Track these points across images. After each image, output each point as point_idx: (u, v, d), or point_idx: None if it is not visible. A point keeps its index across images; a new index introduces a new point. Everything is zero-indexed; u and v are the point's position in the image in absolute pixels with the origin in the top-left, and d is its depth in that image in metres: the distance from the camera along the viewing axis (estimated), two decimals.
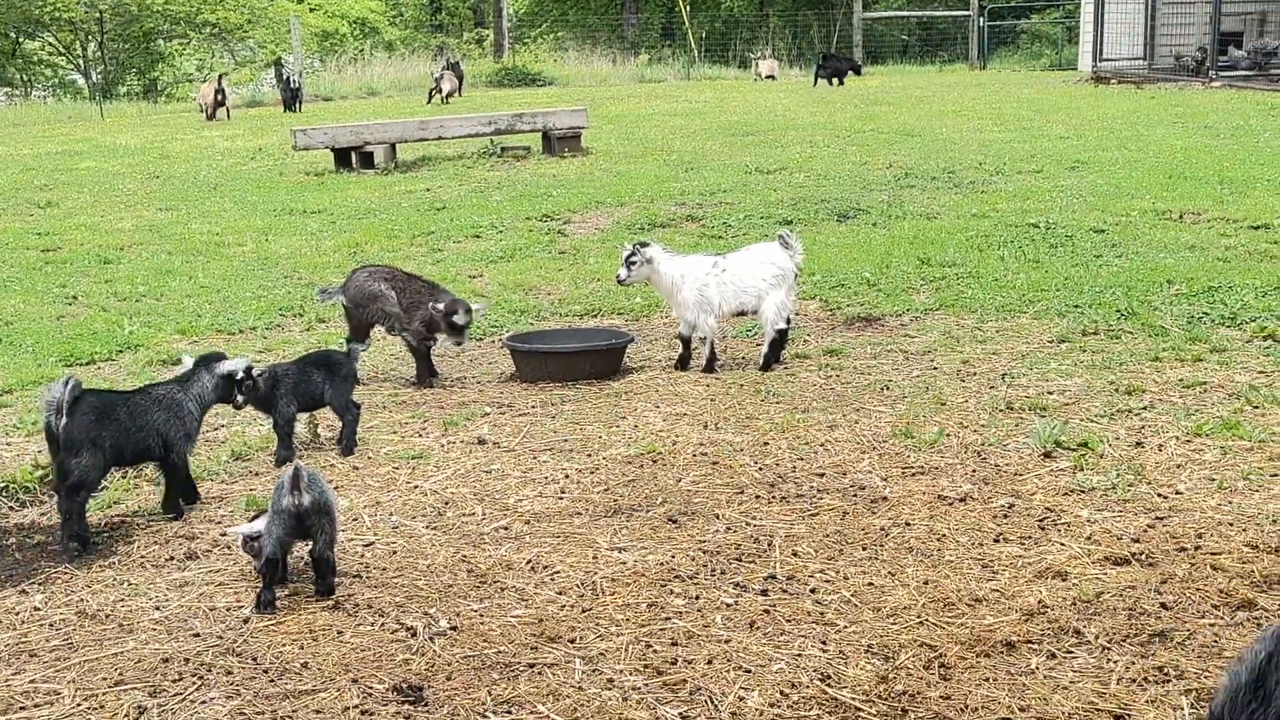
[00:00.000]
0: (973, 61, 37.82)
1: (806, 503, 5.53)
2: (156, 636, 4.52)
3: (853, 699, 3.93)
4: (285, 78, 30.59)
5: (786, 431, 6.47)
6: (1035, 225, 11.28)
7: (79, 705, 4.07)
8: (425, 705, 3.99)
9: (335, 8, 47.31)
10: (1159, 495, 5.45)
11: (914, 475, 5.82)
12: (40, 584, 5.02)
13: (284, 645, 4.41)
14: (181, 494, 5.76)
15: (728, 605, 4.59)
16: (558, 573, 4.93)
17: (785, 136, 19.13)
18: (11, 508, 5.89)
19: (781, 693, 3.98)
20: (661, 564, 4.95)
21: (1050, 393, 6.90)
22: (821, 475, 5.86)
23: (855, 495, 5.61)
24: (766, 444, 6.31)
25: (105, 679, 4.22)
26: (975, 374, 7.33)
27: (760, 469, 5.97)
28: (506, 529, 5.39)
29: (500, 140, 18.65)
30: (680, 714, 3.89)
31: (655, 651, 4.26)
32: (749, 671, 4.11)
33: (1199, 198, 12.32)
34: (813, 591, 4.68)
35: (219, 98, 27.17)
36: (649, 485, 5.81)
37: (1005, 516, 5.30)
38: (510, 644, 4.36)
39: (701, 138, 19.51)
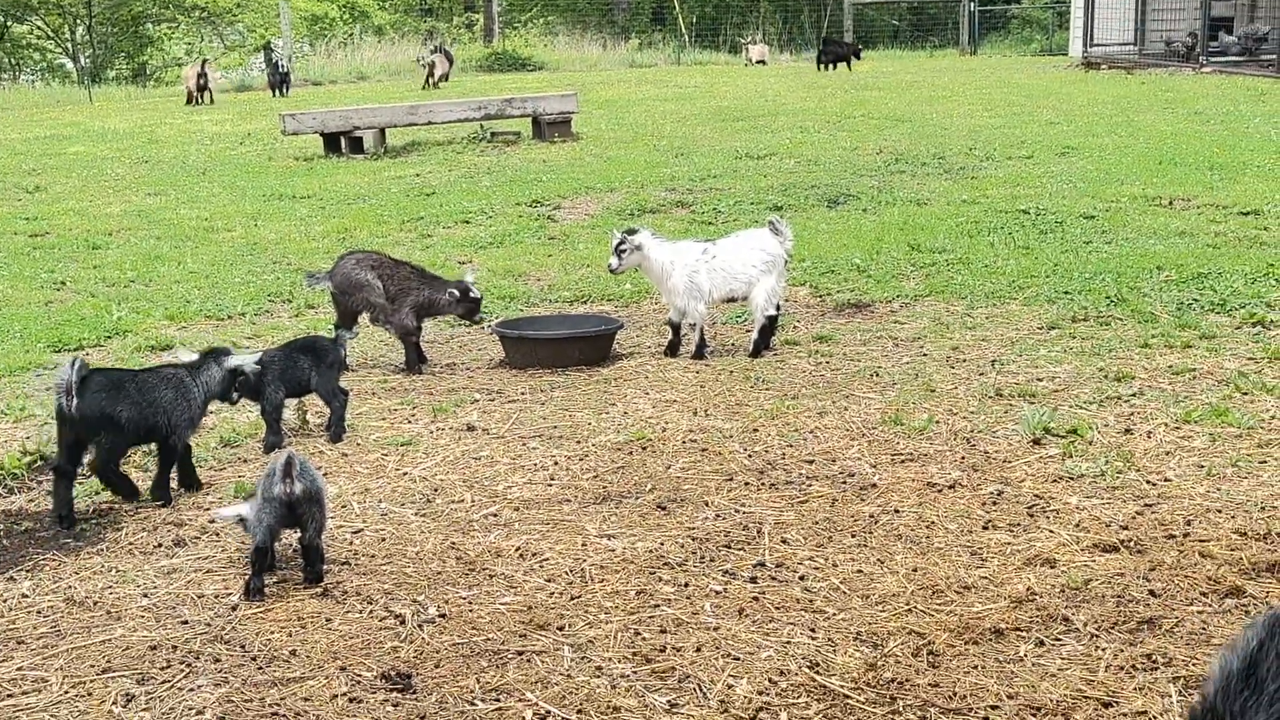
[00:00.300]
0: (963, 46, 37.77)
1: (796, 490, 5.53)
2: (145, 624, 4.51)
3: (841, 687, 3.93)
4: (274, 62, 30.50)
5: (776, 418, 6.47)
6: (1025, 211, 11.29)
7: (67, 693, 4.06)
8: (414, 693, 3.98)
9: None
10: (1148, 482, 5.45)
11: (903, 462, 5.82)
12: (28, 571, 5.00)
13: (272, 633, 4.40)
14: (185, 483, 5.76)
15: (717, 593, 4.59)
16: (547, 560, 4.92)
17: (775, 122, 19.10)
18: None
19: (770, 680, 3.98)
20: (650, 551, 4.95)
21: (1040, 379, 6.90)
22: (811, 462, 5.86)
23: (844, 482, 5.60)
24: (756, 431, 6.31)
25: (93, 666, 4.21)
26: (965, 361, 7.33)
27: (750, 456, 5.97)
28: (495, 516, 5.38)
29: (490, 125, 18.60)
30: (669, 702, 3.89)
31: (644, 639, 4.26)
32: (738, 659, 4.11)
33: (1189, 184, 12.33)
34: (802, 579, 4.68)
35: (201, 81, 27.06)
36: (638, 472, 5.81)
37: (994, 504, 5.30)
38: (499, 631, 4.35)
39: (692, 123, 19.48)
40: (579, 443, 6.25)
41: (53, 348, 8.26)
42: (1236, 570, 4.58)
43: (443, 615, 4.48)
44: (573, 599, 4.59)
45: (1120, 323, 7.89)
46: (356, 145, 17.47)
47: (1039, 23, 41.80)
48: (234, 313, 9.10)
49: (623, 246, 7.65)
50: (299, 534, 4.76)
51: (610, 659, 4.14)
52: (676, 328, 7.74)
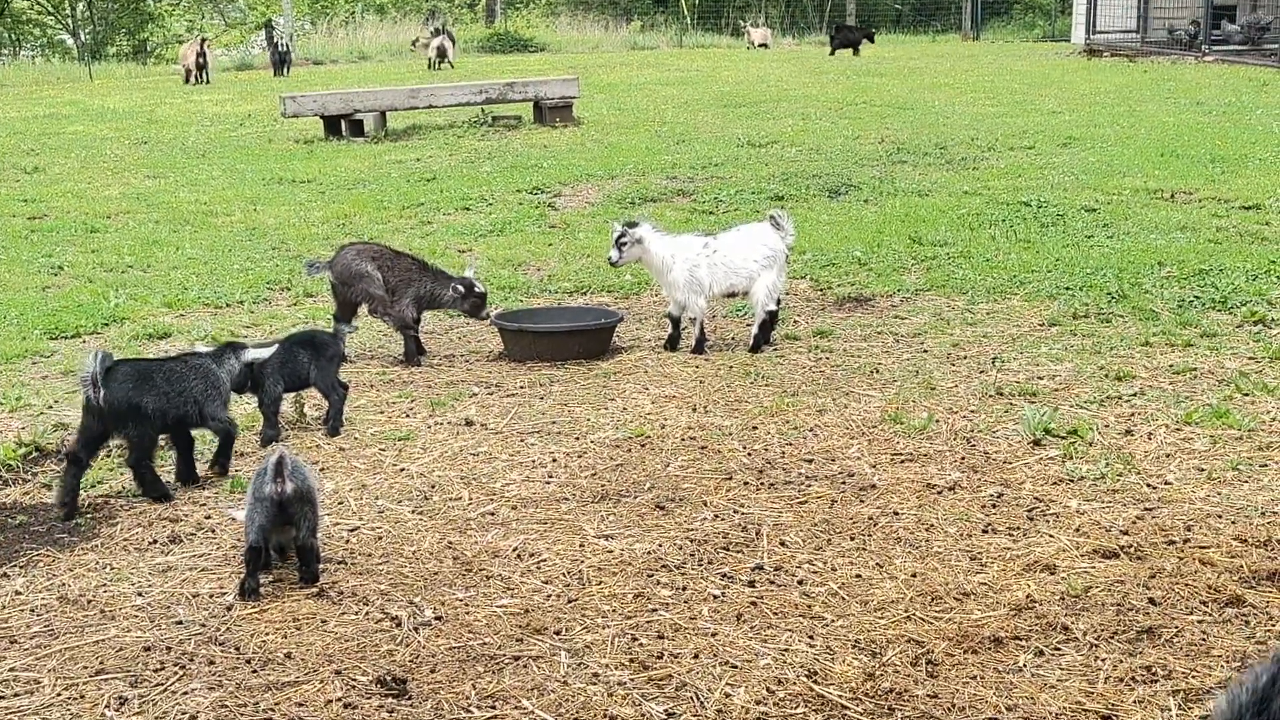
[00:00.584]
0: (965, 32, 37.68)
1: (795, 490, 5.50)
2: (139, 624, 4.48)
3: (839, 696, 3.91)
4: (275, 40, 30.41)
5: (775, 415, 6.44)
6: (1027, 204, 11.24)
7: (59, 695, 4.03)
8: (409, 699, 3.95)
9: None
10: (1148, 485, 5.43)
11: (903, 462, 5.79)
12: (22, 567, 4.97)
13: (267, 634, 4.37)
14: (182, 477, 5.75)
15: (714, 597, 4.56)
16: (544, 561, 4.89)
17: (777, 108, 19.04)
18: None
19: (768, 689, 3.96)
20: (648, 553, 4.92)
21: (1040, 378, 6.87)
22: (810, 461, 5.83)
23: (844, 482, 5.57)
24: (755, 428, 6.28)
25: (86, 667, 4.18)
26: (965, 358, 7.30)
27: (749, 454, 5.94)
28: (493, 514, 5.35)
29: (491, 109, 18.53)
30: (666, 710, 3.86)
31: (641, 645, 4.23)
32: (735, 667, 4.08)
33: (1191, 176, 12.29)
34: (800, 583, 4.65)
35: (200, 60, 26.97)
36: (636, 470, 5.78)
37: (994, 506, 5.27)
38: (495, 635, 4.32)
39: (693, 108, 19.42)
40: (577, 439, 6.22)
41: (49, 335, 8.22)
42: (1236, 578, 4.56)
43: (439, 618, 4.45)
44: (570, 602, 4.56)
45: (1121, 320, 7.86)
46: (357, 128, 17.41)
47: (1042, 8, 41.68)
48: (232, 301, 9.05)
49: (623, 239, 7.61)
50: (292, 533, 4.73)
51: (607, 665, 4.11)
52: (676, 322, 7.70)
